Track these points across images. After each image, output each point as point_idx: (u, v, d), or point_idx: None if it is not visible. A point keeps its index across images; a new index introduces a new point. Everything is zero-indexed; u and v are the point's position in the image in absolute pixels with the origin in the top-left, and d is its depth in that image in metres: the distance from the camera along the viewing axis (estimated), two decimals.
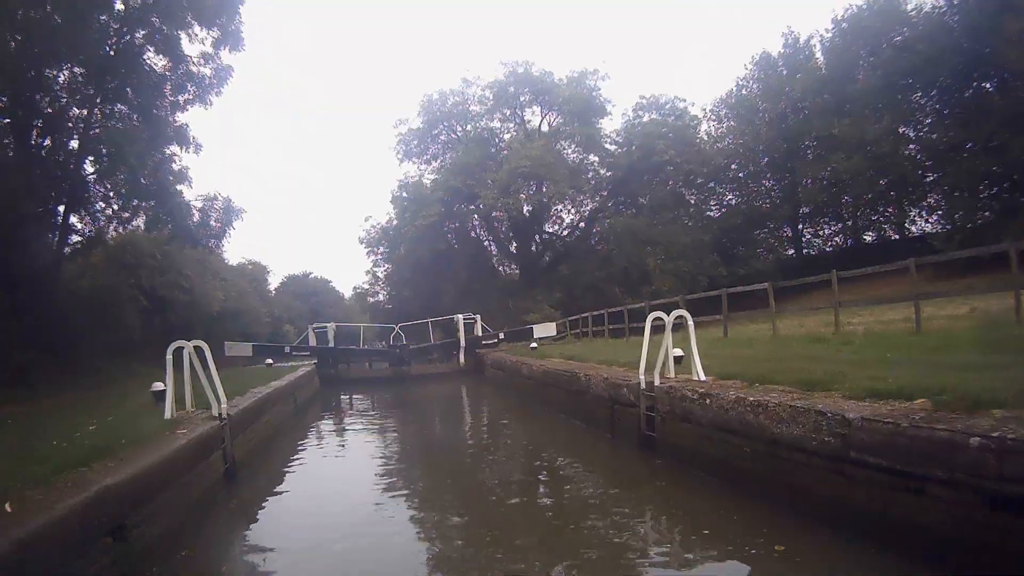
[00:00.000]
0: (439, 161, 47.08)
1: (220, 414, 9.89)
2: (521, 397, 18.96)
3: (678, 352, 10.22)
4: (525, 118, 46.76)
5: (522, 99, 45.73)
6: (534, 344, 22.29)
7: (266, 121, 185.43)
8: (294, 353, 29.67)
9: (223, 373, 11.24)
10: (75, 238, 22.90)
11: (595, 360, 15.46)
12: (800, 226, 44.33)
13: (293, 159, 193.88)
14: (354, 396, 24.33)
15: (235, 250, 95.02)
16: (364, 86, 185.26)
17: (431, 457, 12.84)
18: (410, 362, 29.49)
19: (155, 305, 28.28)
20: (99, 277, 25.79)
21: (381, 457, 12.72)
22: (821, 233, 44.66)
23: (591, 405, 12.63)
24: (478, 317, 29.94)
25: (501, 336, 29.26)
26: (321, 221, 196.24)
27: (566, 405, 14.40)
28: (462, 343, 29.04)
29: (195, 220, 24.07)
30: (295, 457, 12.49)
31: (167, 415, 9.46)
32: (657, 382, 9.73)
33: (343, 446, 14.74)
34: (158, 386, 10.34)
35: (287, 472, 11.12)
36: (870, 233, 41.76)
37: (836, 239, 43.99)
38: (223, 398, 10.12)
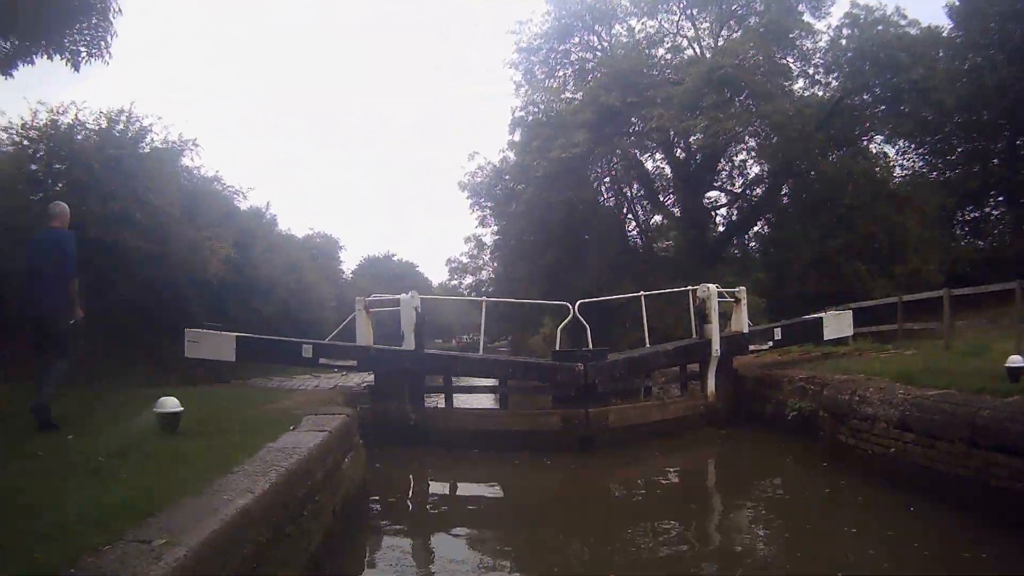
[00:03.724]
0: (572, 91, 33.67)
1: None
2: None
3: None
4: (697, 30, 33.29)
5: (694, 0, 32.02)
6: (1019, 362, 8.53)
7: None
8: (322, 361, 14.71)
9: None
10: None
11: None
12: None
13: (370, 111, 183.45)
14: (462, 511, 10.19)
15: (298, 221, 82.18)
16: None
17: None
18: (604, 394, 14.34)
19: (82, 255, 14.09)
20: None
21: None
22: None
23: None
24: (743, 293, 15.66)
25: (777, 334, 15.93)
26: (405, 197, 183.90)
27: None
28: (715, 348, 14.68)
29: None
30: None
31: None
32: None
33: None
34: None
35: None
36: None
37: None
38: None
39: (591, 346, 14.30)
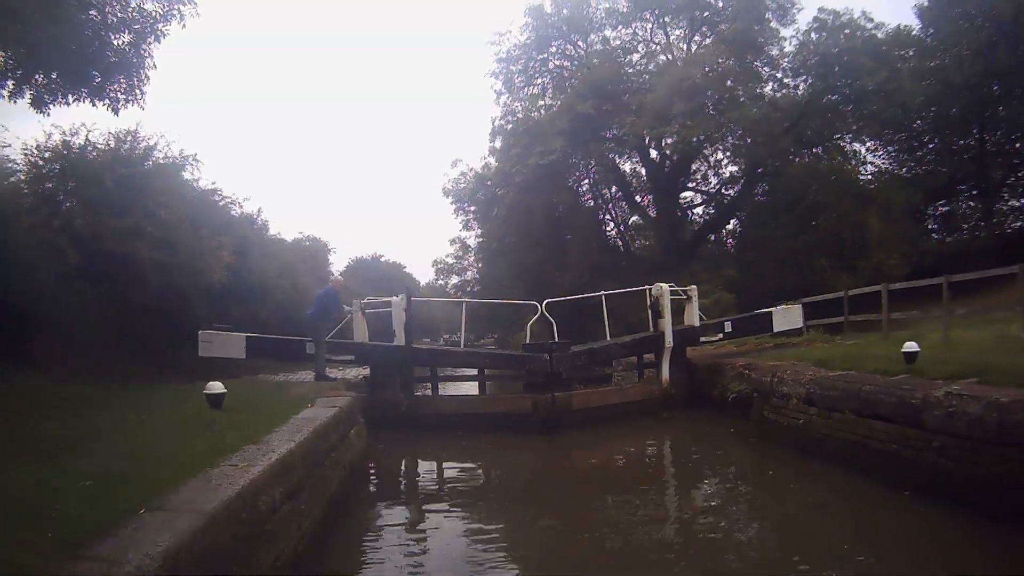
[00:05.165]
0: (550, 98, 34.82)
1: None
2: None
3: None
4: (670, 38, 34.21)
5: (666, 9, 32.89)
6: (913, 347, 9.88)
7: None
8: (329, 358, 15.89)
9: None
10: None
11: None
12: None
13: (359, 122, 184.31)
14: (447, 482, 11.35)
15: (287, 225, 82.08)
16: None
17: None
18: (569, 381, 15.61)
19: (101, 267, 16.06)
20: None
21: None
22: None
23: None
24: (694, 291, 17.05)
25: (728, 327, 17.41)
26: (392, 198, 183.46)
27: None
28: (668, 340, 16.05)
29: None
30: None
31: None
32: None
33: None
34: None
35: None
36: None
37: None
38: None
39: (556, 339, 15.76)
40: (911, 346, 9.83)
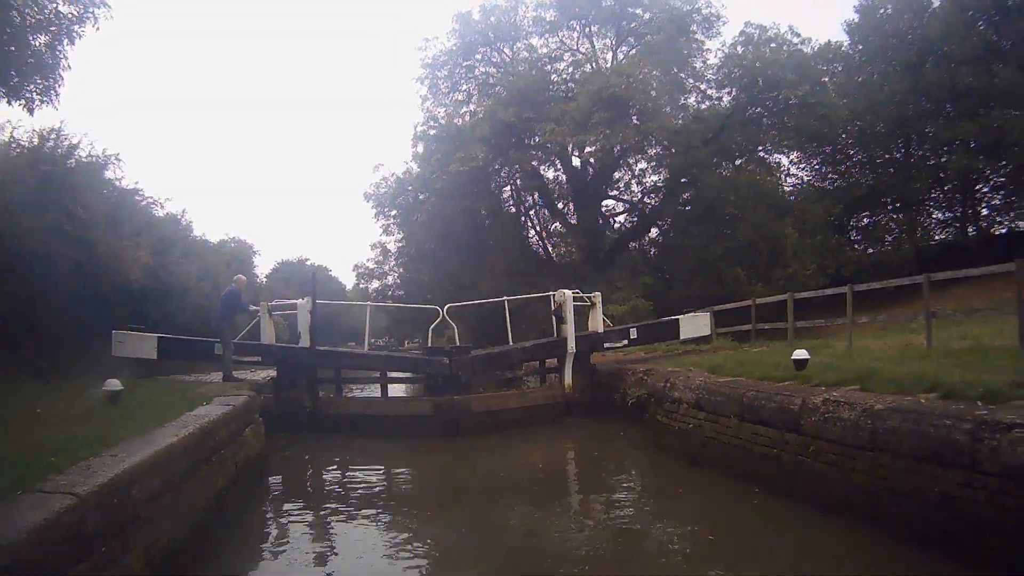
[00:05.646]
0: (475, 103, 34.66)
1: None
2: None
3: None
4: (596, 48, 34.32)
5: (594, 19, 33.15)
6: (803, 355, 9.69)
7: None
8: (238, 359, 15.90)
9: None
10: None
11: None
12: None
13: (286, 125, 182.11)
14: (346, 482, 11.26)
15: (213, 226, 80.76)
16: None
17: None
18: (469, 384, 15.86)
19: (17, 265, 15.30)
20: None
21: None
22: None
23: None
24: (598, 297, 17.00)
25: (633, 334, 17.35)
26: (320, 201, 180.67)
27: None
28: (570, 346, 16.01)
29: None
30: None
31: None
32: None
33: None
34: None
35: None
36: None
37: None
38: None
39: (457, 343, 16.10)
40: (800, 354, 9.76)
